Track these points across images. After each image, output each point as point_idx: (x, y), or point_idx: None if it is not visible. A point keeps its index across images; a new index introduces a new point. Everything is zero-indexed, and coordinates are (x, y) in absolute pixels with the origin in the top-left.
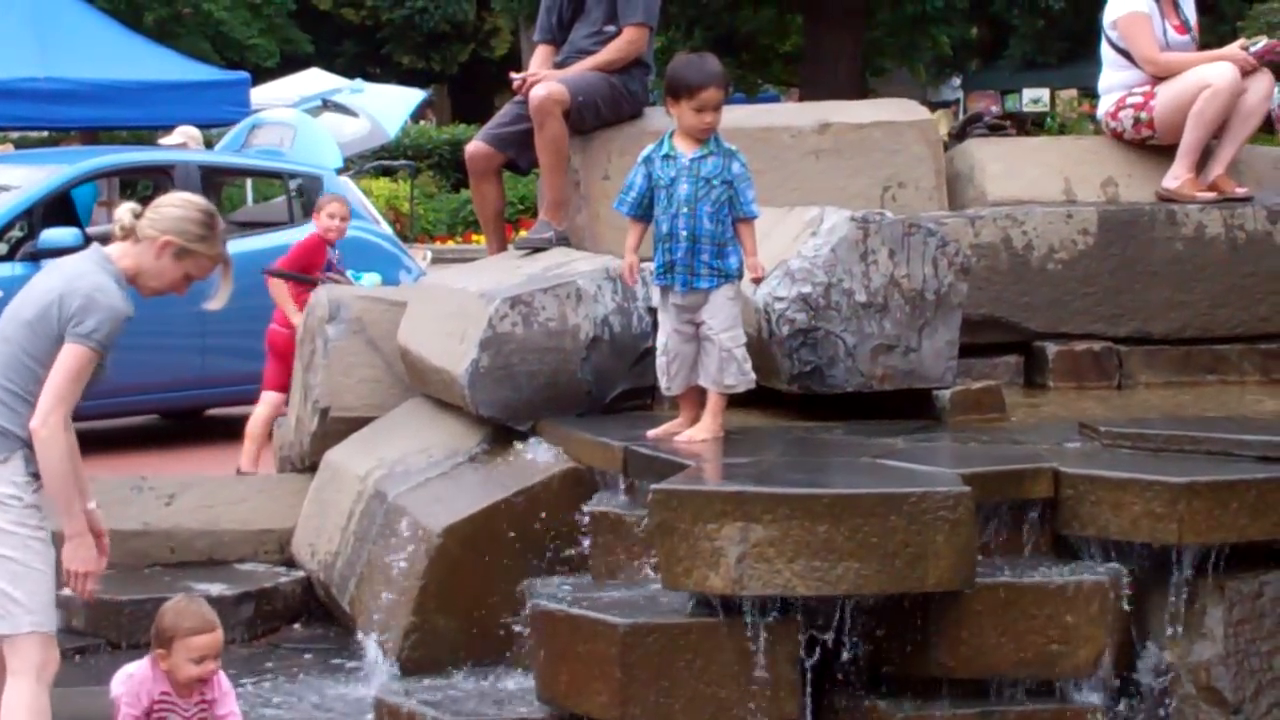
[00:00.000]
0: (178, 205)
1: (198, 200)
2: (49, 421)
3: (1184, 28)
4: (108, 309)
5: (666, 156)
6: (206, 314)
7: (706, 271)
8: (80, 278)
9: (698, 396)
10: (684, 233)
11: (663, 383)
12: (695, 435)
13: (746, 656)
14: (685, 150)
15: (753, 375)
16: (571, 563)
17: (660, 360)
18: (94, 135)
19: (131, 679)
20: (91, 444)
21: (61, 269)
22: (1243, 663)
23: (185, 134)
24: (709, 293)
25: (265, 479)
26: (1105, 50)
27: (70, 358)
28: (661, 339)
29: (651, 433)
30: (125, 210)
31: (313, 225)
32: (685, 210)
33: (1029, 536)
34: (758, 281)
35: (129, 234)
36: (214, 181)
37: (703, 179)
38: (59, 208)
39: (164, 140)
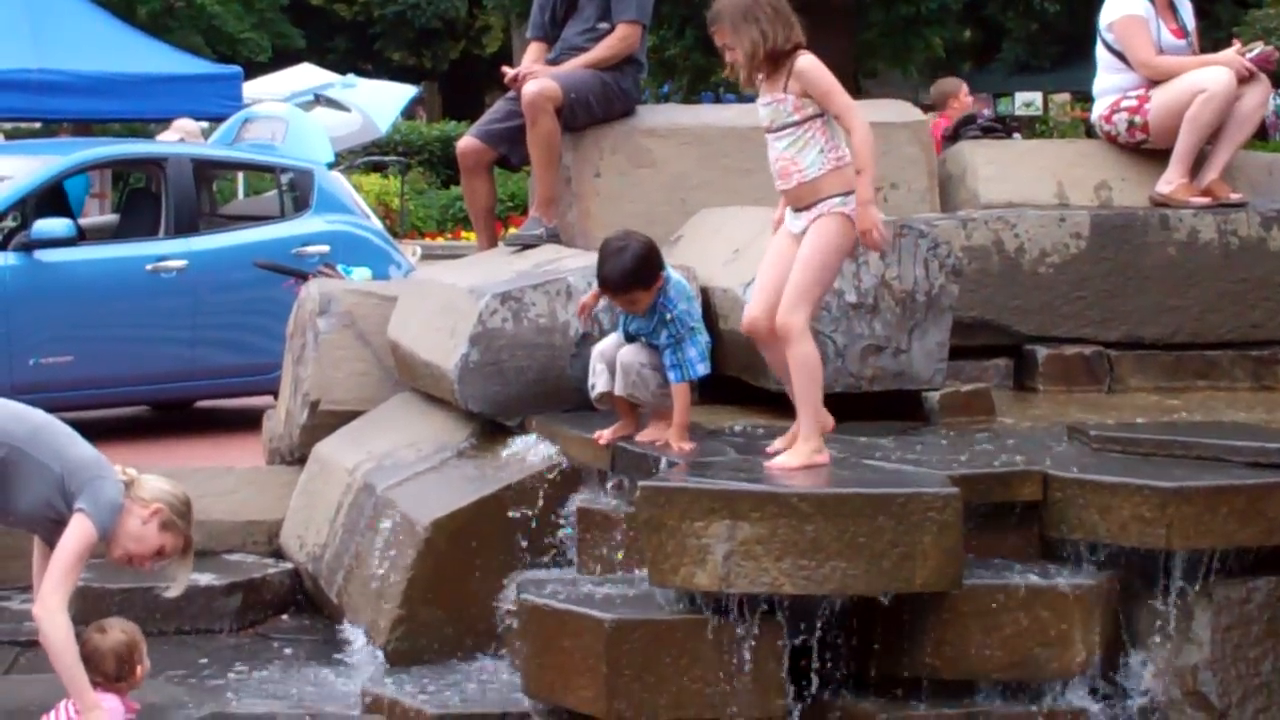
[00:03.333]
0: (166, 481)
1: (179, 484)
2: (51, 603)
3: (1181, 32)
4: (110, 502)
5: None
6: (197, 306)
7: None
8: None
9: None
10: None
11: (589, 380)
12: (671, 441)
13: (732, 654)
14: None
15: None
16: (559, 558)
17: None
18: (86, 127)
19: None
20: (82, 434)
21: None
22: (1229, 668)
23: (181, 129)
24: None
25: (254, 471)
26: (1100, 53)
27: (83, 532)
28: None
29: (601, 435)
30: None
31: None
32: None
33: (1017, 539)
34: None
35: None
36: (205, 175)
37: (630, 333)
38: (51, 199)
39: (162, 137)
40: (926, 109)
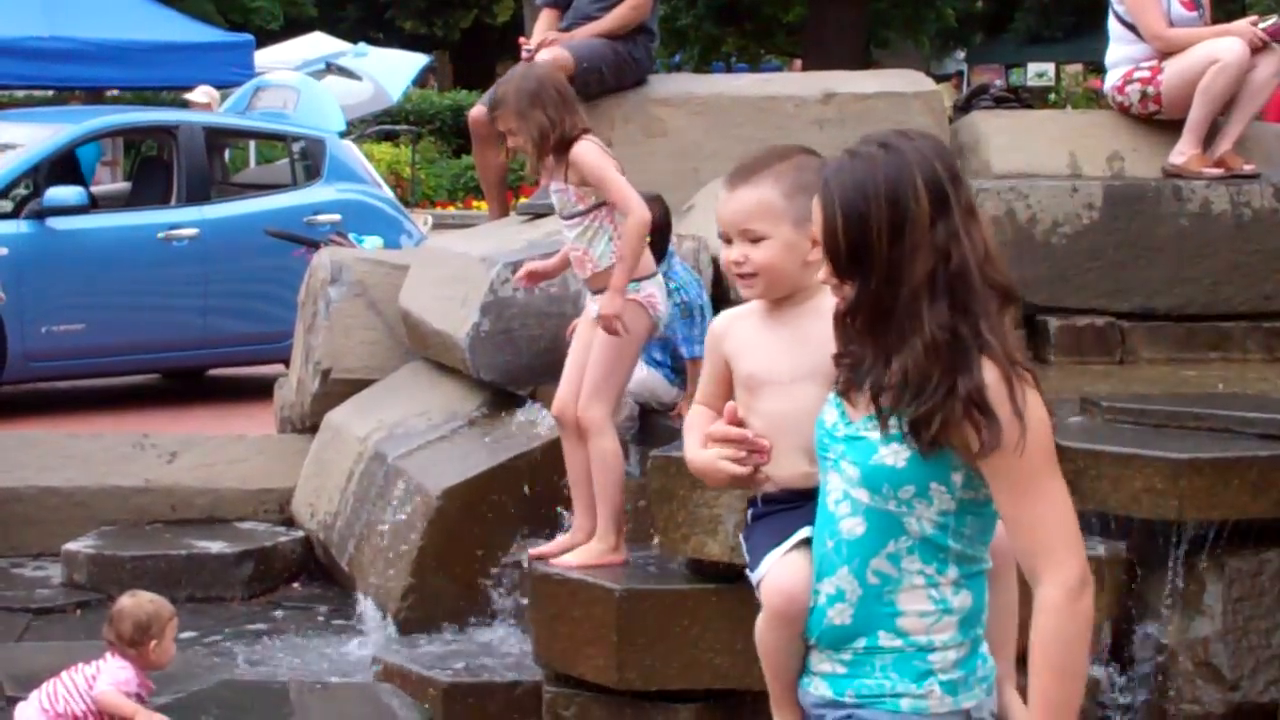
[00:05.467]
0: None
1: None
2: None
3: (1192, 4)
4: None
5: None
6: (209, 275)
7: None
8: None
9: None
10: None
11: None
12: (684, 411)
13: (742, 623)
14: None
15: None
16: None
17: None
18: (98, 95)
19: (123, 682)
20: (94, 402)
21: None
22: (1241, 640)
23: (207, 93)
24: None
25: (265, 439)
26: (1113, 24)
27: None
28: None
29: None
30: None
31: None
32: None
33: None
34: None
35: None
36: (217, 143)
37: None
38: (63, 166)
39: (188, 97)
40: (939, 79)
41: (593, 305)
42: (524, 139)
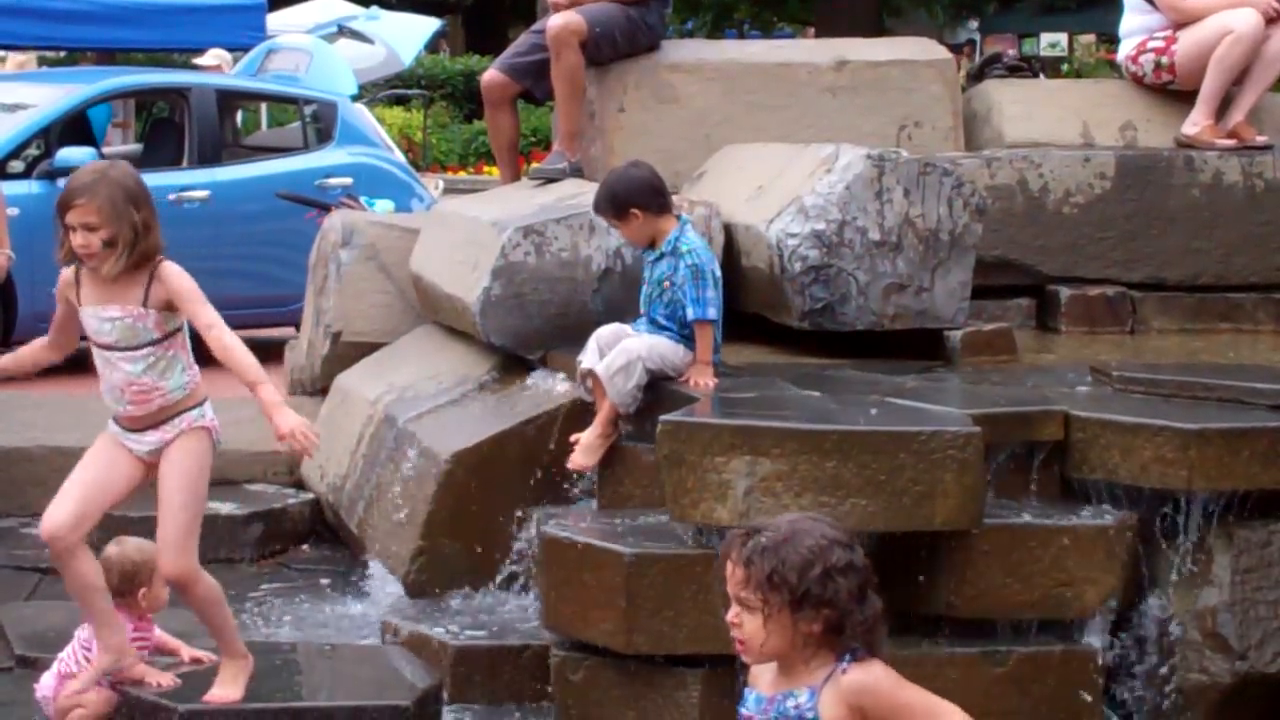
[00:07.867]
0: None
1: None
2: None
3: None
4: None
5: (648, 249)
6: (220, 237)
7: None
8: None
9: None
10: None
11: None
12: (693, 377)
13: None
14: (653, 248)
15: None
16: (579, 492)
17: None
18: (109, 56)
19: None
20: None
21: None
22: (1249, 610)
23: (218, 56)
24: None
25: None
26: None
27: None
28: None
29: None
30: None
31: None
32: (644, 312)
33: (1037, 479)
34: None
35: None
36: (229, 105)
37: (655, 281)
38: (75, 127)
39: (197, 61)
40: (951, 49)
41: (136, 441)
42: (108, 236)
